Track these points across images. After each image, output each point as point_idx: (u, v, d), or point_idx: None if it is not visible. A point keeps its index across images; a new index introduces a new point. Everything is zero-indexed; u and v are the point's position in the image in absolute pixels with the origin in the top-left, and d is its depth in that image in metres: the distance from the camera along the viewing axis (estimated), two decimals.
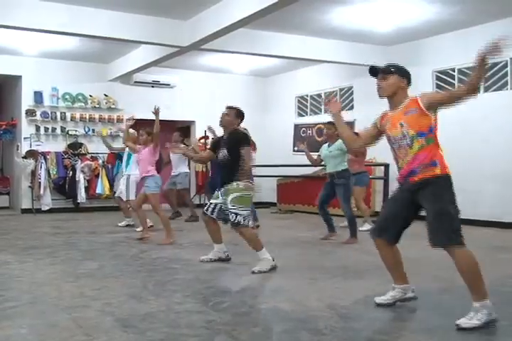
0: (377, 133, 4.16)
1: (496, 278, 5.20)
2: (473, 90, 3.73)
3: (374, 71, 4.09)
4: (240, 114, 5.90)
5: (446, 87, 10.15)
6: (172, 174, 10.66)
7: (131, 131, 8.92)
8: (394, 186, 10.76)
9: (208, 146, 6.29)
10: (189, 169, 11.37)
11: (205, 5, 8.39)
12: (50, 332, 3.54)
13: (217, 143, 6.00)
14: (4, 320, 3.80)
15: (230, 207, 5.56)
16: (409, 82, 4.04)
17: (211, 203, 5.84)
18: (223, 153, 5.73)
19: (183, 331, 3.53)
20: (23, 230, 9.06)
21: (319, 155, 7.95)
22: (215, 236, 5.95)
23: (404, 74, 4.04)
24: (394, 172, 10.30)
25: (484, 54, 3.57)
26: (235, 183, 5.59)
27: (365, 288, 4.71)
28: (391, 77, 3.98)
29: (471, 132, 9.53)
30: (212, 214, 5.77)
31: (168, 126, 12.56)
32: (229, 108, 5.96)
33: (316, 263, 5.98)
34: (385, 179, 10.39)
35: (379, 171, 11.10)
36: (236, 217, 5.51)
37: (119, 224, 9.25)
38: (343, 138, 4.31)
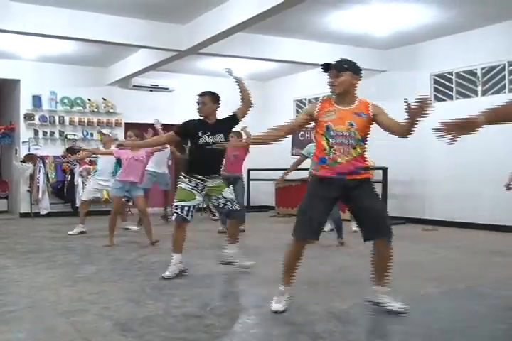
0: (306, 121, 4.17)
1: (494, 282, 5.23)
2: (406, 134, 3.96)
3: (326, 67, 4.04)
4: (215, 98, 5.61)
5: (444, 90, 10.18)
6: (154, 171, 9.86)
7: (104, 131, 9.61)
8: (392, 190, 10.79)
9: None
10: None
11: (204, 9, 8.40)
12: (48, 336, 3.53)
13: (197, 128, 5.50)
14: (2, 324, 3.80)
15: (233, 197, 5.60)
16: (359, 78, 4.04)
17: (185, 206, 5.32)
18: (219, 137, 5.44)
19: (181, 335, 3.53)
20: (22, 234, 9.06)
21: (302, 154, 8.11)
22: (181, 244, 5.46)
23: (357, 71, 4.02)
24: (392, 175, 10.37)
25: (417, 115, 3.83)
26: (221, 178, 5.60)
27: (364, 291, 4.70)
28: (345, 74, 3.95)
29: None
30: (192, 218, 5.39)
31: (167, 129, 12.56)
32: (201, 95, 5.59)
33: (313, 267, 5.97)
34: (384, 182, 10.40)
35: (377, 175, 11.10)
36: (238, 207, 5.59)
37: (133, 228, 9.27)
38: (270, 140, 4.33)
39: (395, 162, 10.64)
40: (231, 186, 8.74)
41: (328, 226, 8.33)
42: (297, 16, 8.61)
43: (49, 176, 11.92)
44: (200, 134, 5.44)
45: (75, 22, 8.43)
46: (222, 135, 5.50)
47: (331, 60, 3.97)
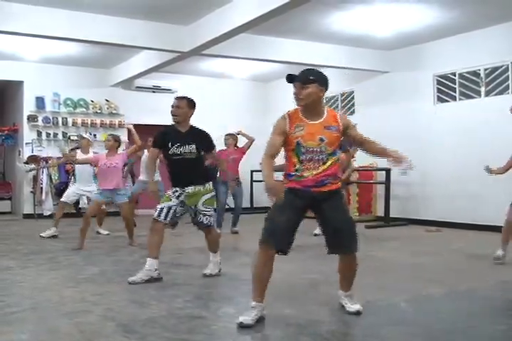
0: (283, 141, 3.89)
1: (494, 283, 5.24)
2: (371, 154, 4.08)
3: (290, 79, 3.90)
4: (192, 104, 5.48)
5: (447, 91, 10.17)
6: (144, 180, 9.63)
7: (85, 135, 9.30)
8: (395, 191, 10.77)
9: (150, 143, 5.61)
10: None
11: (206, 10, 8.40)
12: (51, 337, 3.55)
13: (167, 138, 5.40)
14: (5, 325, 3.81)
15: (202, 209, 5.37)
16: (326, 89, 3.92)
17: (163, 208, 5.28)
18: (190, 148, 5.32)
19: (183, 336, 3.54)
20: (25, 235, 9.08)
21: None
22: (157, 249, 5.31)
23: (323, 83, 3.86)
24: (395, 176, 10.36)
25: (394, 160, 3.93)
26: (207, 185, 5.43)
27: (367, 293, 4.70)
28: (310, 86, 3.80)
29: (472, 136, 9.54)
30: (166, 220, 5.29)
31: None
32: (179, 98, 5.47)
33: (315, 268, 5.97)
34: (387, 184, 10.40)
35: (380, 176, 11.10)
36: (209, 218, 5.44)
37: (104, 232, 9.23)
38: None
39: None
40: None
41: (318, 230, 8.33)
42: (299, 17, 8.62)
43: (52, 177, 11.94)
44: (169, 145, 5.35)
45: (77, 23, 8.45)
46: (194, 146, 5.35)
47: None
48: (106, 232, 9.13)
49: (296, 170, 3.88)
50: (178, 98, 5.50)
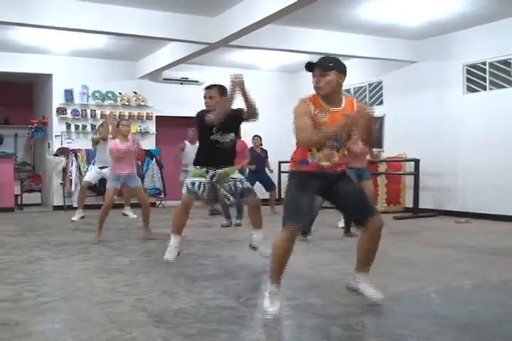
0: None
1: None
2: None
3: (310, 67, 3.82)
4: (223, 90, 5.51)
5: (477, 81, 10.01)
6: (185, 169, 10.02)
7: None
8: (424, 181, 10.67)
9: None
10: None
11: (234, 1, 8.39)
12: (83, 327, 3.58)
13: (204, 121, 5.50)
14: (38, 315, 3.86)
15: (236, 176, 5.54)
16: (345, 77, 3.89)
17: (195, 182, 5.41)
18: (230, 137, 5.53)
19: (214, 327, 3.54)
20: (55, 227, 9.18)
21: None
22: (183, 225, 5.48)
23: (342, 70, 3.84)
24: (424, 167, 10.27)
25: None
26: (234, 168, 5.64)
27: (397, 284, 4.68)
28: (330, 73, 3.75)
29: (503, 126, 9.40)
30: (203, 193, 5.44)
31: (191, 122, 12.66)
32: (209, 88, 5.57)
33: (345, 259, 5.94)
34: (416, 174, 10.30)
35: (409, 167, 11.01)
36: (247, 183, 5.56)
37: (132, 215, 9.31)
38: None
39: (427, 154, 10.54)
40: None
41: (342, 223, 8.28)
42: (327, 7, 8.55)
43: (81, 169, 12.05)
44: (214, 130, 5.46)
45: (106, 16, 8.50)
46: (233, 135, 5.57)
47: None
48: (134, 216, 9.17)
49: (312, 157, 3.83)
50: (208, 88, 5.57)
